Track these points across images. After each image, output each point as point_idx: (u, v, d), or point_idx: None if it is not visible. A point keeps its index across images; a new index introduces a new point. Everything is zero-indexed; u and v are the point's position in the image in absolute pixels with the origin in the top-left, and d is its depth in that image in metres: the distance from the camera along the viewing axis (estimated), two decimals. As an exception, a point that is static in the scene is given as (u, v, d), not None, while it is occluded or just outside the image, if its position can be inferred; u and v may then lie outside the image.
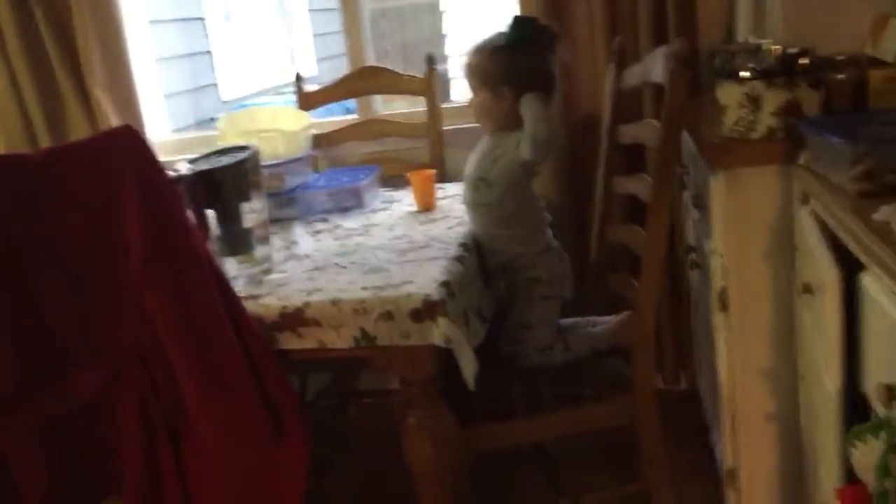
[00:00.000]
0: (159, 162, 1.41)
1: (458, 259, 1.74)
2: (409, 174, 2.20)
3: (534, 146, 1.69)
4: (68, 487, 1.50)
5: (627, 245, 1.92)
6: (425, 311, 1.52)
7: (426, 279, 1.61)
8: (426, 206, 2.15)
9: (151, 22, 3.49)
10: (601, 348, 1.88)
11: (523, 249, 1.81)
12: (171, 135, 3.00)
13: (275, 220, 2.18)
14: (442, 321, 1.51)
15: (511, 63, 1.75)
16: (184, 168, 1.67)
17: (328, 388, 2.70)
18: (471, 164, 1.84)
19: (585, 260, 2.12)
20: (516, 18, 1.77)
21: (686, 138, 1.93)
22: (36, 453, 1.47)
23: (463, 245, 1.81)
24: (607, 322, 1.92)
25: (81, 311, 1.43)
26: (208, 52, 5.50)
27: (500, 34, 1.77)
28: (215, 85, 5.55)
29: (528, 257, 1.81)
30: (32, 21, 2.61)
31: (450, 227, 1.95)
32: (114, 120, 2.66)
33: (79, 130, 2.68)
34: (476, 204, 1.84)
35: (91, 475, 1.52)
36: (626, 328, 1.86)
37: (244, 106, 5.48)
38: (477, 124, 1.85)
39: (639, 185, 1.86)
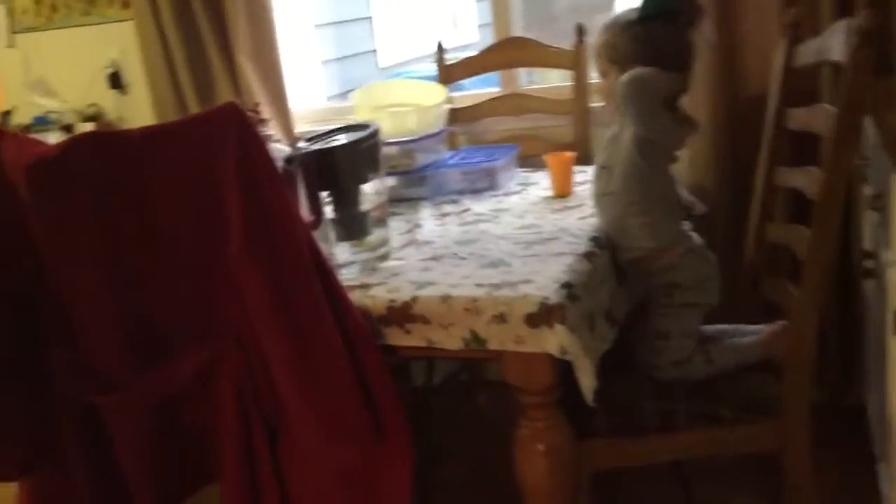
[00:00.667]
0: (263, 141, 1.33)
1: (587, 256, 1.57)
2: (546, 156, 2.03)
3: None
4: (171, 472, 1.47)
5: (789, 246, 1.68)
6: (541, 316, 1.37)
7: (547, 279, 1.45)
8: (562, 191, 1.99)
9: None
10: (748, 362, 1.66)
11: (656, 243, 1.62)
12: (307, 106, 2.96)
13: (403, 200, 2.10)
14: (559, 329, 1.36)
15: (644, 39, 1.57)
16: (300, 146, 1.59)
17: (456, 373, 2.61)
18: (603, 148, 1.67)
19: (739, 259, 1.88)
20: None
21: (869, 127, 1.65)
22: (141, 435, 1.45)
23: (594, 239, 1.64)
24: (757, 332, 1.70)
25: (182, 293, 1.39)
26: (369, 17, 5.49)
27: (634, 8, 1.59)
28: (374, 51, 5.54)
29: (665, 257, 1.62)
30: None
31: (583, 218, 1.78)
32: (257, 89, 2.65)
33: (225, 99, 2.69)
34: (601, 194, 1.66)
35: (192, 462, 1.49)
36: (779, 341, 1.64)
37: (399, 74, 5.45)
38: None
39: (806, 179, 1.61)
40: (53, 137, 2.63)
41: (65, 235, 1.35)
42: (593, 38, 1.72)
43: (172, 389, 1.42)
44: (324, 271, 1.42)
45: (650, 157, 1.59)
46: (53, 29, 3.02)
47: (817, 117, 1.63)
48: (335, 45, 4.83)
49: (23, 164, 1.34)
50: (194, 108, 2.72)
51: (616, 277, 1.66)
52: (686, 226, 1.71)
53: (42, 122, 2.75)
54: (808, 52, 1.70)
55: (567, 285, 1.43)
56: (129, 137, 1.31)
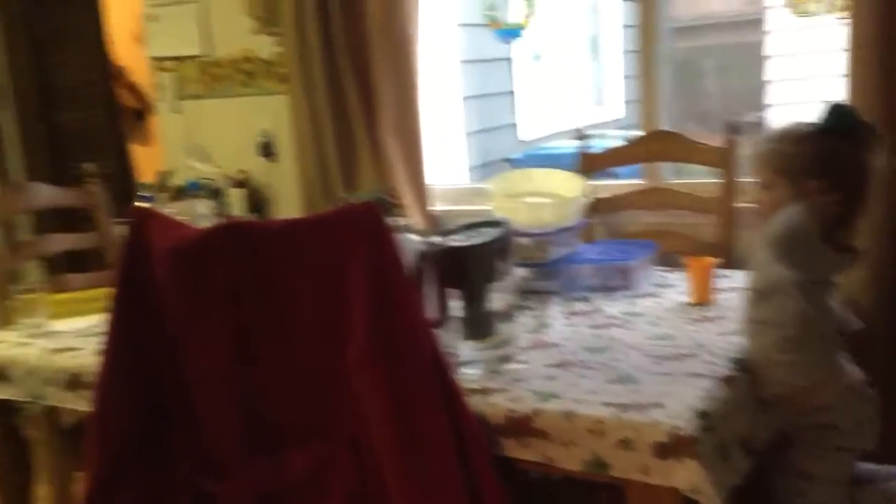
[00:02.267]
0: (396, 245, 1.32)
1: (727, 381, 1.46)
2: (685, 260, 1.94)
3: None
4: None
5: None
6: (672, 447, 1.28)
7: (680, 404, 1.36)
8: (702, 299, 1.88)
9: (462, 62, 3.58)
10: (903, 513, 1.49)
11: (809, 382, 1.48)
12: (446, 184, 2.98)
13: (533, 292, 2.04)
14: (690, 464, 1.26)
15: (821, 153, 1.46)
16: (433, 242, 1.58)
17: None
18: (753, 268, 1.56)
19: (898, 390, 1.72)
20: (835, 106, 1.49)
21: None
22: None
23: (737, 361, 1.53)
24: (917, 478, 1.53)
25: (302, 388, 1.39)
26: (511, 91, 5.54)
27: (808, 122, 1.49)
28: (514, 125, 5.57)
29: (819, 396, 1.48)
30: (337, 68, 2.72)
31: (723, 334, 1.67)
32: (398, 167, 2.69)
33: (367, 177, 2.74)
34: (752, 320, 1.54)
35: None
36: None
37: (540, 149, 5.44)
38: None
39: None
40: (203, 203, 2.76)
41: (197, 319, 1.38)
42: (749, 140, 1.63)
43: (283, 483, 1.41)
44: (444, 374, 1.39)
45: (812, 298, 1.47)
46: (215, 98, 3.20)
47: None
48: (477, 117, 4.89)
49: (165, 247, 1.38)
50: (337, 182, 2.78)
51: (757, 404, 1.54)
52: (844, 358, 1.56)
53: (195, 188, 2.89)
54: None
55: (703, 414, 1.33)
56: (267, 230, 1.34)
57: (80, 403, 1.84)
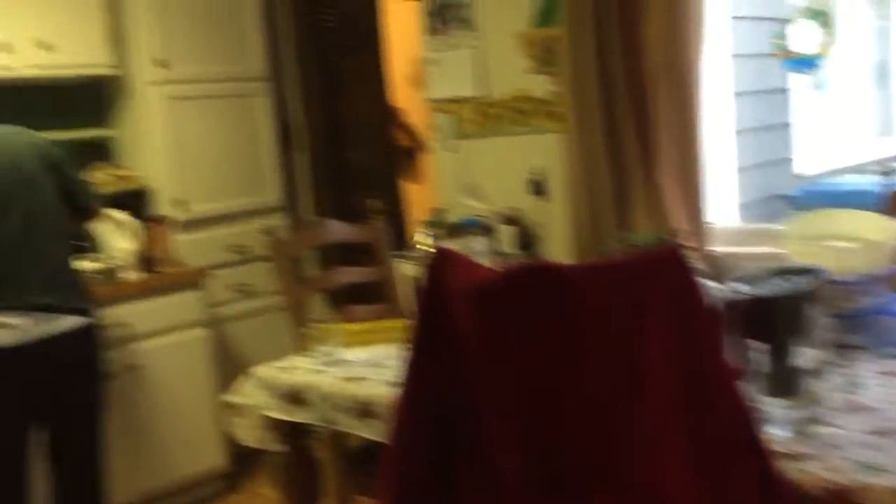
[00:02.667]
0: (699, 288, 1.24)
1: None
2: None
3: None
4: None
5: None
6: None
7: None
8: None
9: (737, 94, 3.40)
10: None
11: None
12: (731, 224, 2.82)
13: (839, 347, 1.85)
14: None
15: None
16: (737, 288, 1.48)
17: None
18: None
19: None
20: None
21: None
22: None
23: None
24: None
25: (594, 434, 1.33)
26: (787, 123, 5.18)
27: None
28: (789, 159, 5.21)
29: None
30: (614, 107, 2.68)
31: None
32: (676, 210, 2.58)
33: (640, 217, 2.66)
34: None
35: None
36: None
37: (820, 184, 5.04)
38: None
39: None
40: (479, 240, 2.82)
41: (495, 359, 1.38)
42: None
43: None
44: (752, 430, 1.28)
45: None
46: (488, 136, 3.28)
47: None
48: (749, 152, 4.62)
49: (465, 288, 1.40)
50: (609, 221, 2.73)
51: None
52: None
53: (472, 225, 2.96)
54: None
55: None
56: (569, 272, 1.31)
57: (368, 431, 1.93)
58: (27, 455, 2.38)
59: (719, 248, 2.64)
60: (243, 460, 3.40)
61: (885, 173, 2.30)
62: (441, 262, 1.45)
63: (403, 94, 4.83)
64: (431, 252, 1.50)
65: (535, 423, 1.38)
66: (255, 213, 3.72)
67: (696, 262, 2.44)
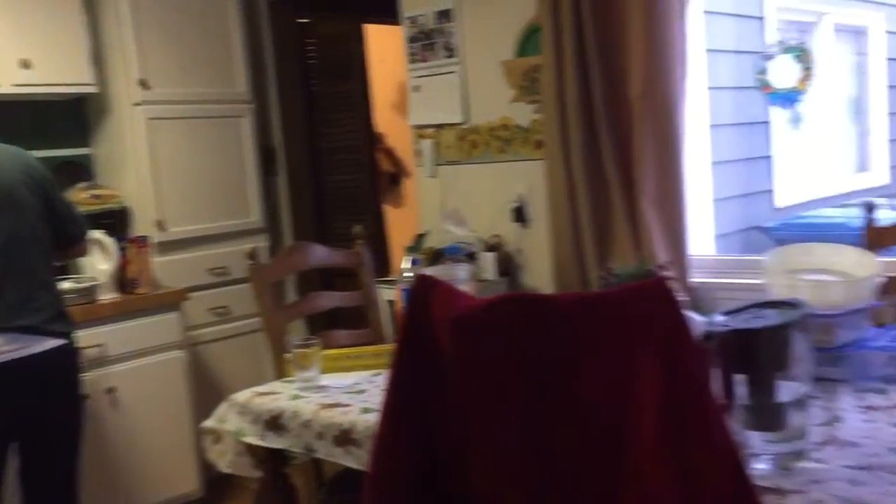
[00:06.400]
0: (686, 320, 1.24)
1: None
2: None
3: None
4: None
5: None
6: None
7: None
8: None
9: (714, 126, 3.44)
10: None
11: None
12: (710, 255, 2.84)
13: (818, 380, 1.86)
14: None
15: None
16: (718, 322, 1.48)
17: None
18: None
19: None
20: None
21: None
22: None
23: None
24: None
25: (588, 465, 1.32)
26: (767, 156, 5.25)
27: None
28: (770, 191, 5.26)
29: None
30: (596, 136, 2.69)
31: None
32: (657, 238, 2.59)
33: (622, 246, 2.67)
34: None
35: None
36: None
37: (799, 217, 5.09)
38: None
39: None
40: (462, 266, 2.81)
41: (480, 389, 1.37)
42: None
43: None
44: (737, 465, 1.27)
45: None
46: (471, 163, 3.28)
47: None
48: (729, 183, 4.67)
49: (449, 316, 1.39)
50: (591, 249, 2.74)
51: None
52: None
53: (455, 252, 2.96)
54: None
55: None
56: (554, 302, 1.31)
57: (348, 459, 1.90)
58: (3, 476, 2.35)
59: (698, 279, 2.65)
60: (218, 486, 3.35)
61: (867, 208, 2.32)
62: (424, 289, 1.44)
63: (388, 120, 4.85)
64: (414, 278, 1.49)
65: (520, 454, 1.36)
66: (236, 236, 3.70)
67: (681, 294, 2.46)
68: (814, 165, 5.70)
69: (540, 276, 3.02)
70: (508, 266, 3.13)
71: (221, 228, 3.67)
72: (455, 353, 1.38)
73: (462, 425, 1.40)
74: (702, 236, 3.14)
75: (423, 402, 1.44)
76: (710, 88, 3.66)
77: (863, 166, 6.25)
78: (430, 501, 1.47)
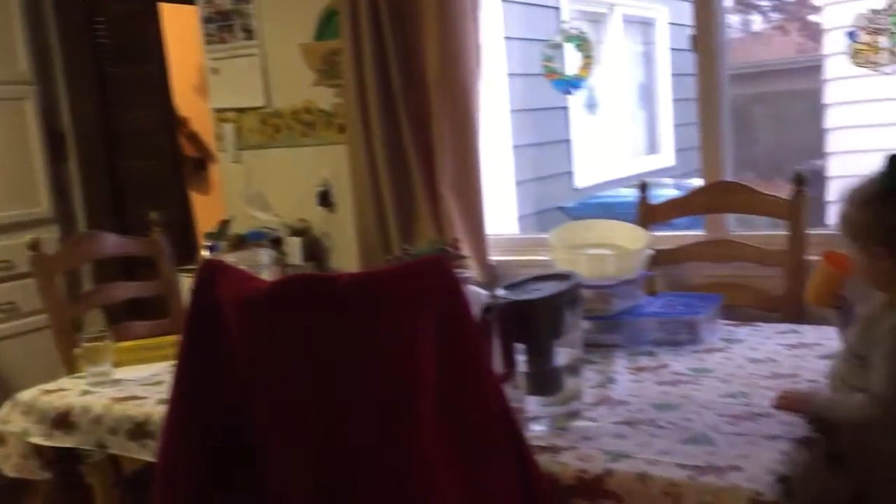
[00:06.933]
0: (466, 298, 1.31)
1: (806, 442, 1.41)
2: (825, 252, 1.67)
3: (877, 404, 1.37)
4: None
5: None
6: (753, 513, 1.23)
7: (759, 467, 1.31)
8: (816, 300, 1.68)
9: (515, 111, 3.61)
10: None
11: (885, 445, 1.43)
12: (509, 234, 2.98)
13: (596, 346, 2.01)
14: (772, 531, 1.21)
15: (882, 218, 1.39)
16: (498, 295, 1.56)
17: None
18: (852, 328, 1.51)
19: None
20: (891, 158, 1.39)
21: None
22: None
23: (815, 421, 1.47)
24: None
25: (373, 440, 1.36)
26: (567, 140, 5.55)
27: (874, 181, 1.42)
28: (570, 173, 5.57)
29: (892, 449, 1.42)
30: (396, 119, 2.74)
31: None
32: (456, 218, 2.68)
33: (425, 227, 2.74)
34: (846, 384, 1.48)
35: None
36: None
37: (594, 197, 5.42)
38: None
39: None
40: (265, 252, 2.79)
41: (267, 370, 1.38)
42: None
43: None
44: (514, 430, 1.36)
45: None
46: (274, 147, 3.25)
47: None
48: (532, 166, 4.90)
49: (236, 300, 1.39)
50: (394, 231, 2.79)
51: (834, 463, 1.47)
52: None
53: (257, 237, 2.92)
54: None
55: (784, 479, 1.28)
56: (339, 282, 1.33)
57: (143, 453, 1.85)
58: None
59: (496, 257, 2.78)
60: (8, 492, 3.14)
61: (640, 188, 2.51)
62: (210, 274, 1.42)
63: (191, 104, 4.67)
64: (201, 263, 1.47)
65: (314, 434, 1.38)
66: (22, 227, 3.45)
67: (473, 271, 2.56)
68: (609, 149, 6.09)
69: (347, 260, 3.04)
70: (315, 250, 3.12)
71: (5, 219, 3.42)
72: (242, 336, 1.38)
73: (251, 409, 1.40)
74: (505, 217, 3.29)
75: (211, 387, 1.43)
76: (509, 75, 3.84)
77: (653, 149, 6.74)
78: (226, 488, 1.47)
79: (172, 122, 4.15)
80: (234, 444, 1.44)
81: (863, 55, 2.27)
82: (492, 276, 2.59)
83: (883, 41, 2.24)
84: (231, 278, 1.44)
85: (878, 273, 1.42)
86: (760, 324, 2.09)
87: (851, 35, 2.27)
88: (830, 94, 4.95)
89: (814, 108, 5.77)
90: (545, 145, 5.21)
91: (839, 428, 1.46)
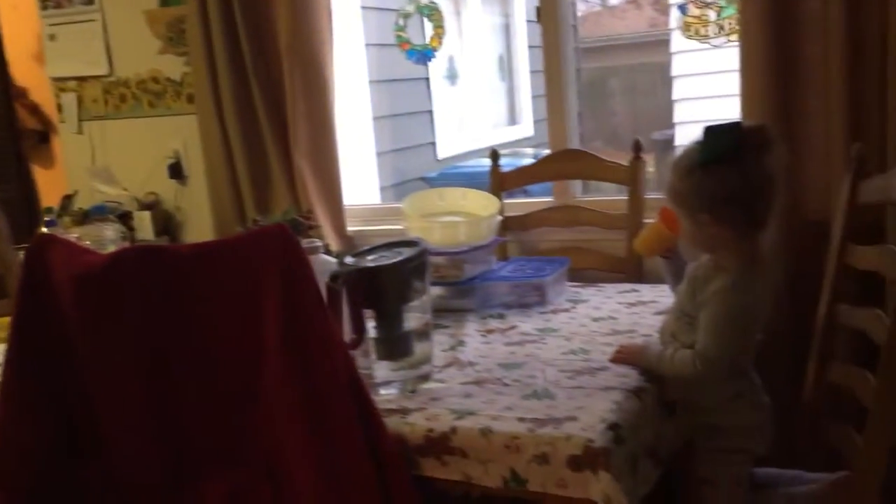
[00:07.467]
0: (309, 266, 1.31)
1: (637, 392, 1.50)
2: (663, 208, 1.69)
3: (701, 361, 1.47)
4: None
5: (853, 391, 1.59)
6: (585, 460, 1.30)
7: (593, 417, 1.39)
8: (645, 250, 1.77)
9: (374, 82, 3.59)
10: (805, 515, 1.56)
11: (705, 396, 1.55)
12: (367, 204, 2.98)
13: (449, 311, 2.06)
14: (603, 476, 1.29)
15: (703, 187, 1.46)
16: (346, 262, 1.57)
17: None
18: (682, 286, 1.60)
19: (798, 398, 1.79)
20: (708, 130, 1.46)
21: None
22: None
23: (646, 372, 1.57)
24: (817, 481, 1.59)
25: (218, 414, 1.36)
26: (430, 111, 5.59)
27: (694, 149, 1.49)
28: (434, 143, 5.62)
29: (711, 399, 1.54)
30: (247, 88, 2.68)
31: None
32: (312, 188, 2.66)
33: (280, 198, 2.70)
34: (673, 338, 1.59)
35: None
36: (839, 494, 1.53)
37: (455, 167, 5.50)
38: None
39: (873, 323, 1.53)
40: (110, 226, 2.68)
41: (106, 347, 1.34)
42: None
43: (199, 512, 1.37)
44: (360, 395, 1.39)
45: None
46: (121, 118, 3.12)
47: (884, 259, 1.56)
48: (394, 137, 4.91)
49: (70, 275, 1.34)
50: (250, 203, 2.74)
51: (664, 410, 1.58)
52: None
53: (101, 212, 2.80)
54: (872, 190, 1.64)
55: (614, 426, 1.36)
56: (177, 253, 1.31)
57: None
58: None
59: (355, 227, 2.78)
60: None
61: (492, 156, 2.57)
62: (41, 251, 1.37)
63: (30, 73, 4.39)
64: (32, 239, 1.41)
65: (157, 409, 1.36)
66: None
67: (327, 240, 2.56)
68: (471, 119, 6.17)
69: (201, 233, 2.97)
70: (167, 224, 3.03)
71: None
72: (78, 312, 1.33)
73: (91, 383, 1.36)
74: (366, 187, 3.28)
75: (46, 368, 1.38)
76: (367, 45, 3.82)
77: (513, 120, 6.89)
78: (67, 465, 1.42)
79: (8, 93, 3.90)
80: (77, 427, 1.40)
81: (693, 27, 2.40)
82: (349, 245, 2.60)
83: (711, 14, 2.38)
84: (64, 253, 1.38)
85: (704, 238, 1.52)
86: (604, 285, 2.19)
87: (682, 8, 2.40)
88: (676, 66, 5.20)
89: (663, 80, 6.06)
90: (407, 116, 5.23)
91: (668, 380, 1.57)
